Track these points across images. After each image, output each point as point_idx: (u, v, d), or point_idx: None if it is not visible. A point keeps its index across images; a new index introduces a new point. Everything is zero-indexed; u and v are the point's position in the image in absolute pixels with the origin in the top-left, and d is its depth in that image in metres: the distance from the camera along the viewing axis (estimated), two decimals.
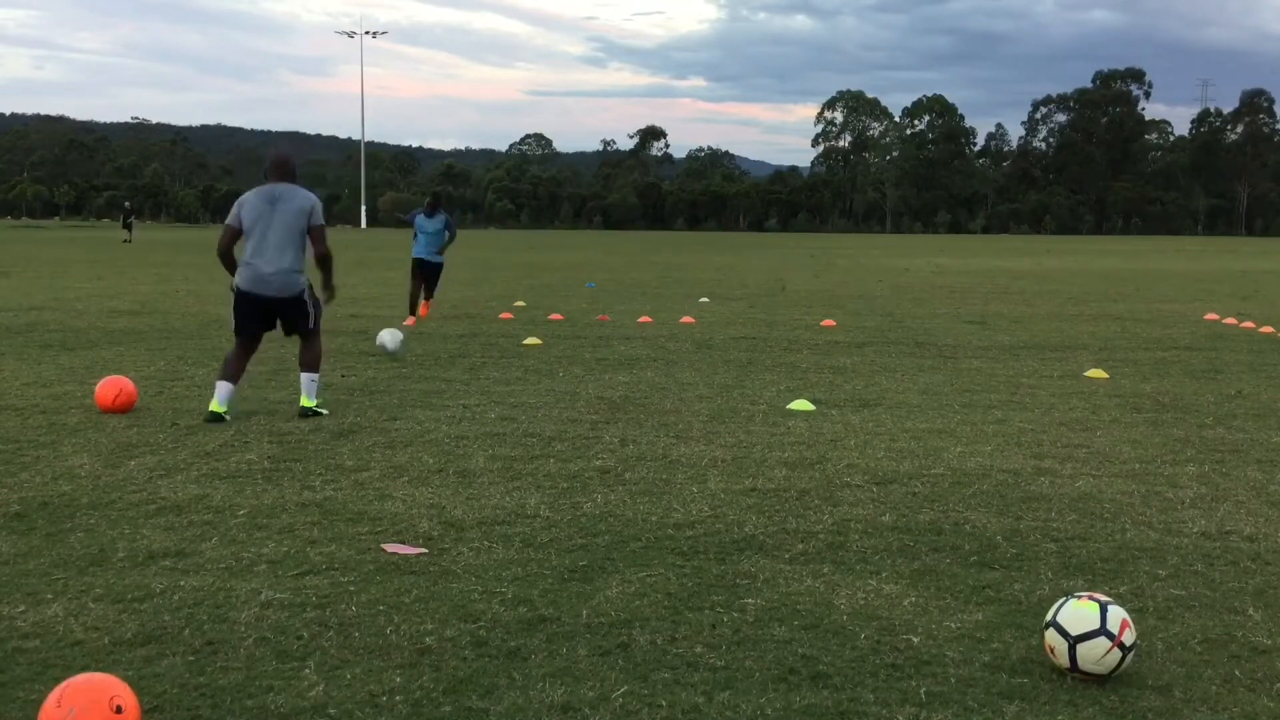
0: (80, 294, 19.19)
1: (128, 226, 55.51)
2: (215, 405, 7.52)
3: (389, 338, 10.91)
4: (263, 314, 7.69)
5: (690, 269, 32.28)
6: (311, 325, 7.81)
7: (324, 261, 7.79)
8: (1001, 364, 11.09)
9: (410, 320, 14.66)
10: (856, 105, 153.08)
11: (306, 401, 7.76)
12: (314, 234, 7.68)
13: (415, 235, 15.50)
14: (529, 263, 34.92)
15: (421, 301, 15.55)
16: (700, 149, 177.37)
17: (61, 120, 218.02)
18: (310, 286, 7.80)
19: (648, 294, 21.19)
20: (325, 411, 7.80)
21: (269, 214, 7.55)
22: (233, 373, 7.65)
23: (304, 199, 7.66)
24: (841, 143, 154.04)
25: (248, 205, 7.62)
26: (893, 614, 4.01)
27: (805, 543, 4.87)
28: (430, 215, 15.47)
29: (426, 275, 15.45)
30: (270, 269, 7.50)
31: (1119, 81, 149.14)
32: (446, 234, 15.46)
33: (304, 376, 7.80)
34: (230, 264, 7.80)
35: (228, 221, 7.69)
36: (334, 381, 9.31)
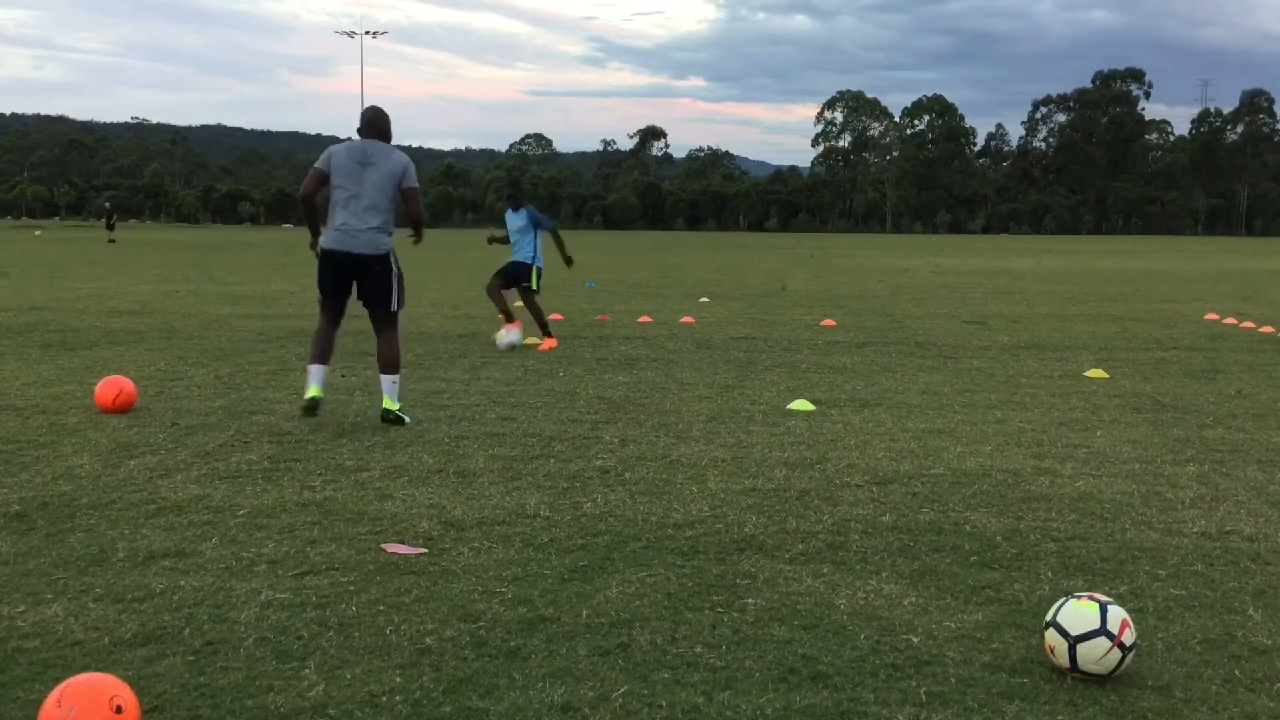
0: (80, 294, 19.19)
1: (110, 226, 56.94)
2: (313, 391, 7.39)
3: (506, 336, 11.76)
4: (346, 274, 7.39)
5: (690, 269, 32.29)
6: (395, 304, 7.50)
7: (417, 225, 7.83)
8: (1001, 364, 11.08)
9: (512, 324, 12.11)
10: (856, 105, 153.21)
11: (389, 404, 7.46)
12: (409, 197, 7.49)
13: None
14: None
15: (512, 311, 12.48)
16: (700, 149, 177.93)
17: (61, 120, 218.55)
18: (395, 257, 7.51)
19: (648, 294, 21.19)
20: (408, 419, 7.42)
21: (358, 174, 7.29)
22: (321, 351, 7.47)
23: (396, 161, 7.41)
24: (841, 143, 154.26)
25: (337, 159, 7.33)
26: (893, 614, 4.01)
27: (805, 543, 4.87)
28: (515, 210, 12.14)
29: (511, 276, 12.29)
30: (360, 225, 7.29)
31: (1119, 81, 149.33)
32: (533, 232, 12.10)
33: (383, 378, 7.49)
34: (312, 211, 7.57)
35: (315, 165, 7.38)
36: (334, 382, 9.30)
